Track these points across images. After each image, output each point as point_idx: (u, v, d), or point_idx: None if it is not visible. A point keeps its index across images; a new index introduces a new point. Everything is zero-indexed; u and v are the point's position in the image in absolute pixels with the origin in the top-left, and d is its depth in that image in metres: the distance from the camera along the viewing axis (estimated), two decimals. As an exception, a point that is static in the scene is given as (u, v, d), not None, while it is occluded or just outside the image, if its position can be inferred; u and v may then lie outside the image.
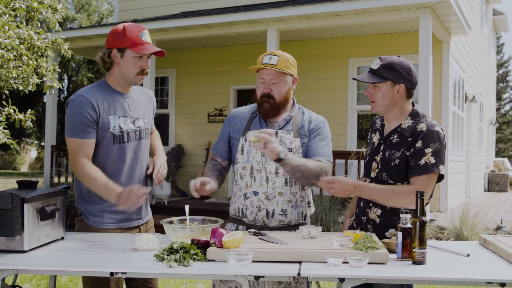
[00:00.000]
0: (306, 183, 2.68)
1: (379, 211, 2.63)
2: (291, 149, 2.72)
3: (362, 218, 2.72)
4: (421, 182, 2.50)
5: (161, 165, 2.85)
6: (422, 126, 2.58)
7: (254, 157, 2.74)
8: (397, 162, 2.57)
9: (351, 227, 2.83)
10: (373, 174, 2.68)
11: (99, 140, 2.67)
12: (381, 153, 2.66)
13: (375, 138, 2.76)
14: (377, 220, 2.64)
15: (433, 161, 2.50)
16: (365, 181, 2.75)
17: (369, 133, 2.91)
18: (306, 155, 2.76)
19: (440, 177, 2.55)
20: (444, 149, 2.56)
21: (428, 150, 2.51)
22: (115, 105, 2.72)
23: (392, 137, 2.65)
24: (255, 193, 2.71)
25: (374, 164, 2.68)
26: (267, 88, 2.73)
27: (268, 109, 2.74)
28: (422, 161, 2.51)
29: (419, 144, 2.53)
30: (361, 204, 2.75)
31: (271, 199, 2.69)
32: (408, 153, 2.56)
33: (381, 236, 2.57)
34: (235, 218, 2.82)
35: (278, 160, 2.55)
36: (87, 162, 2.63)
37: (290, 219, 2.73)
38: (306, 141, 2.78)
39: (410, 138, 2.57)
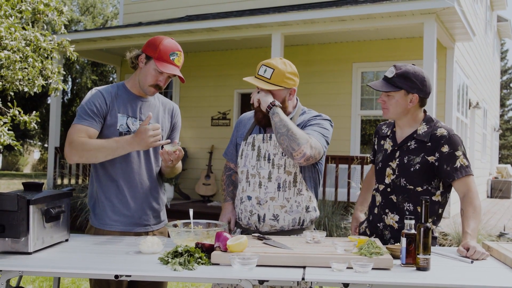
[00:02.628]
0: (287, 145, 2.48)
1: (396, 217, 2.63)
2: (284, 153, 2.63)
3: (378, 224, 2.71)
4: (469, 182, 2.57)
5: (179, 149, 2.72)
6: (442, 131, 2.61)
7: (250, 162, 2.72)
8: (417, 167, 2.60)
9: (363, 234, 2.82)
10: (387, 180, 2.69)
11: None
12: (397, 159, 2.67)
13: (387, 145, 2.76)
14: (396, 225, 2.64)
15: (466, 163, 2.58)
16: (378, 188, 2.75)
17: (375, 139, 2.90)
18: None
19: None
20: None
21: (459, 153, 2.58)
22: (126, 105, 2.76)
23: (409, 143, 2.66)
24: (249, 198, 2.69)
25: (389, 170, 2.69)
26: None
27: (261, 119, 2.70)
28: (458, 164, 2.57)
29: (445, 148, 2.58)
30: (376, 211, 2.74)
31: (262, 204, 2.65)
32: (429, 158, 2.59)
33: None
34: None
35: (270, 107, 2.55)
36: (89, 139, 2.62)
37: (283, 225, 2.66)
38: None
39: (430, 144, 2.60)
